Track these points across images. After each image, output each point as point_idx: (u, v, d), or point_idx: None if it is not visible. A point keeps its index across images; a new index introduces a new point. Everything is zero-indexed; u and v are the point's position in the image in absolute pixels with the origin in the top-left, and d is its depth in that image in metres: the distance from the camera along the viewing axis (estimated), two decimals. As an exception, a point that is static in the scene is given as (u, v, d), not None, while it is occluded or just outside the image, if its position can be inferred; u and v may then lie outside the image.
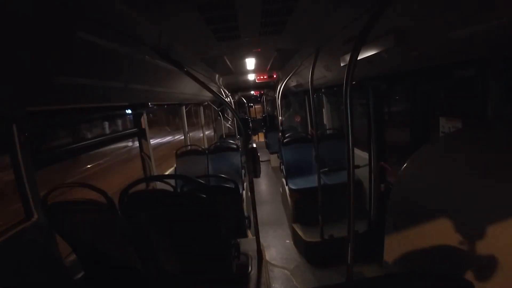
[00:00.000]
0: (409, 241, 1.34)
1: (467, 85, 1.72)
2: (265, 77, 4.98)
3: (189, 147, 4.70)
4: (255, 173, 2.27)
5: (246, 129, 4.68)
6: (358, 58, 1.20)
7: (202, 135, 6.83)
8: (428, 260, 1.22)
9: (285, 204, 4.33)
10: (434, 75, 1.99)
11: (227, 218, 1.63)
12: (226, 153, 4.51)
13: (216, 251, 1.71)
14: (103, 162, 9.84)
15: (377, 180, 2.87)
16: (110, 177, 8.37)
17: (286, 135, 4.61)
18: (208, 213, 1.51)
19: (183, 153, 4.44)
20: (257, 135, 12.38)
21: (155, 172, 3.43)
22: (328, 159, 3.76)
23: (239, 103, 11.07)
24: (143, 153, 3.33)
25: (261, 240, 2.43)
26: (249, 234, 2.93)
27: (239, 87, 7.56)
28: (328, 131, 4.67)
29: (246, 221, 2.53)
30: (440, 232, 1.11)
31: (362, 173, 3.20)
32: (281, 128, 6.03)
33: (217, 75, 4.39)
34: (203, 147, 4.86)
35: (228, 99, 6.76)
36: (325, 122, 5.06)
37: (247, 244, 2.49)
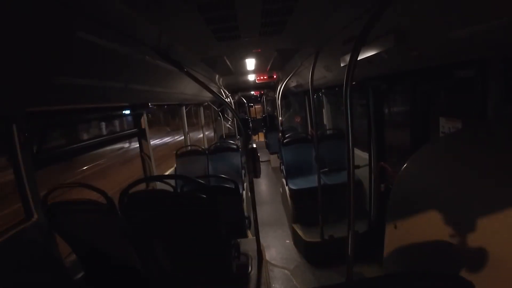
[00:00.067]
0: (409, 241, 1.34)
1: (467, 85, 1.71)
2: (265, 77, 4.98)
3: (189, 148, 4.70)
4: (255, 173, 2.27)
5: (246, 129, 4.69)
6: (358, 59, 1.20)
7: (202, 135, 6.84)
8: (428, 260, 1.22)
9: (285, 204, 4.32)
10: (434, 75, 1.99)
11: (227, 218, 1.63)
12: (226, 153, 4.51)
13: (216, 251, 1.71)
14: (94, 165, 9.77)
15: (377, 180, 2.87)
16: (104, 180, 8.33)
17: (286, 135, 4.61)
18: (208, 213, 1.51)
19: (183, 153, 4.44)
20: (257, 135, 12.38)
21: (155, 172, 3.44)
22: (328, 159, 3.76)
23: (239, 103, 11.07)
24: (143, 153, 3.33)
25: (261, 240, 2.43)
26: (249, 234, 2.93)
27: (239, 87, 7.56)
28: (328, 131, 4.67)
29: (246, 221, 2.53)
30: (440, 232, 1.11)
31: (362, 173, 3.20)
32: (281, 128, 6.02)
33: (217, 76, 4.39)
34: (203, 147, 4.86)
35: (228, 99, 6.76)
36: (325, 122, 5.06)
37: (247, 244, 2.49)
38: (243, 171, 4.49)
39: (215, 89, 4.80)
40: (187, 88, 3.30)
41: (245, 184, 4.32)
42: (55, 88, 1.23)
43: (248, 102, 11.22)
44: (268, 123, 8.71)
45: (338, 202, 3.19)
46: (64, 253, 1.83)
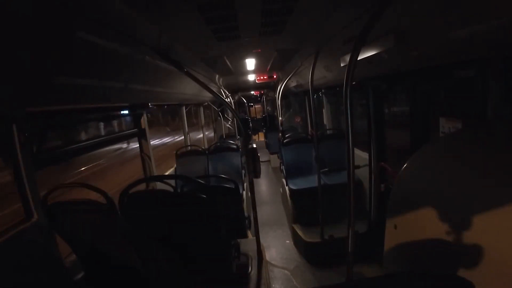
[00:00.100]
0: (409, 241, 1.34)
1: (467, 85, 1.72)
2: (265, 77, 4.98)
3: (189, 148, 4.70)
4: (255, 173, 2.27)
5: (246, 129, 4.68)
6: (358, 59, 1.20)
7: (202, 135, 6.84)
8: (428, 260, 1.22)
9: (285, 204, 4.32)
10: (434, 75, 1.99)
11: (227, 218, 1.63)
12: (226, 154, 4.51)
13: (216, 251, 1.71)
14: (94, 165, 9.74)
15: (377, 180, 2.87)
16: (102, 181, 8.30)
17: (286, 135, 4.61)
18: (208, 213, 1.51)
19: (183, 153, 4.44)
20: (257, 135, 12.39)
21: (155, 172, 3.43)
22: (328, 159, 3.76)
23: (239, 103, 11.06)
24: (143, 154, 3.33)
25: (261, 240, 2.43)
26: (249, 234, 2.92)
27: (239, 87, 7.55)
28: (328, 131, 4.67)
29: (246, 221, 2.53)
30: (440, 232, 1.11)
31: (362, 173, 3.20)
32: (281, 128, 6.02)
33: (217, 76, 4.39)
34: (203, 147, 4.86)
35: (228, 99, 6.76)
36: (325, 123, 5.06)
37: (247, 244, 2.49)
38: (243, 171, 4.49)
39: (215, 89, 4.80)
40: (187, 88, 3.30)
41: (245, 184, 4.32)
42: (55, 88, 1.23)
43: (248, 102, 11.22)
44: (268, 123, 8.72)
45: (338, 202, 3.19)
46: (64, 253, 1.82)
